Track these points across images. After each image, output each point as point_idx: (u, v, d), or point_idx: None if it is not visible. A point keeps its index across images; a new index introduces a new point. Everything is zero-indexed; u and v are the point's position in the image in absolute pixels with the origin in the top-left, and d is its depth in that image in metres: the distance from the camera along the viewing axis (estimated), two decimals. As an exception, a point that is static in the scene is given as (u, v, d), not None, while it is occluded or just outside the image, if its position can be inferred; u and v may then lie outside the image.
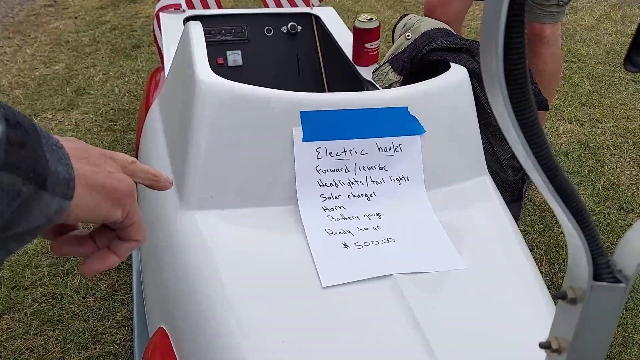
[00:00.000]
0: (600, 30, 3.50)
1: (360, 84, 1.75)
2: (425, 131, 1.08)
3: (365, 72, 1.72)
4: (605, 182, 2.14)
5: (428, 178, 1.08)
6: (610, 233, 1.90)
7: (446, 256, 0.95)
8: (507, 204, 1.15)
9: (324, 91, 2.14)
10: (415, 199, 1.06)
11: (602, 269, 0.44)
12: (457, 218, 1.06)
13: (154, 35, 2.01)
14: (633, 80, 2.92)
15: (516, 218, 1.35)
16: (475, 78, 1.26)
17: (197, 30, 1.24)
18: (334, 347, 0.81)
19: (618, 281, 0.44)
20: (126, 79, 2.78)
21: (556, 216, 0.43)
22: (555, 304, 0.53)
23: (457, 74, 1.15)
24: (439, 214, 1.04)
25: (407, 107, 1.07)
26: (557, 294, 0.46)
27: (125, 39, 3.26)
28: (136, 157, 1.56)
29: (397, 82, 1.30)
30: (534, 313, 0.89)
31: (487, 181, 1.16)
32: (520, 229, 1.11)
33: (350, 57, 1.82)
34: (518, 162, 1.34)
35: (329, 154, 1.04)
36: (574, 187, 0.42)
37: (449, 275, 0.92)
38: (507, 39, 0.35)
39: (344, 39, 1.93)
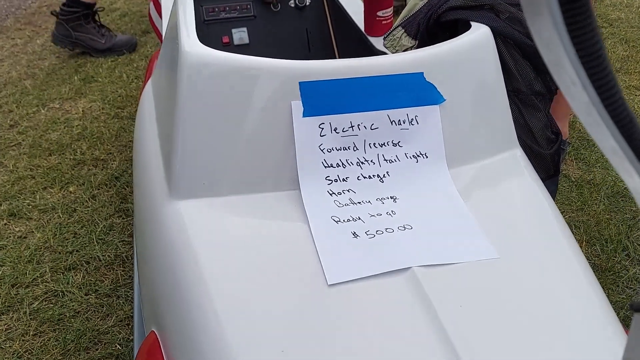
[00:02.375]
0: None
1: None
2: (444, 100, 0.94)
3: (381, 45, 1.57)
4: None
5: (450, 154, 0.94)
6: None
7: (474, 244, 0.81)
8: (542, 180, 1.00)
9: None
10: (435, 179, 0.92)
11: None
12: (485, 199, 0.92)
13: (150, 18, 1.90)
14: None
15: (552, 195, 1.19)
16: (501, 38, 1.10)
17: (187, 1, 1.11)
18: (340, 357, 0.68)
19: None
20: (135, 65, 2.69)
21: (630, 191, 0.29)
22: (625, 315, 0.39)
23: (479, 33, 1.00)
24: (464, 195, 0.90)
25: (422, 73, 0.92)
26: (634, 304, 0.33)
27: (134, 25, 3.17)
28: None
29: (411, 47, 1.15)
30: (583, 311, 0.74)
31: (519, 155, 1.01)
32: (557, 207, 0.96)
33: (363, 28, 1.67)
34: (553, 132, 1.18)
35: (334, 130, 0.90)
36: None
37: (478, 267, 0.78)
38: None
39: (356, 10, 1.78)
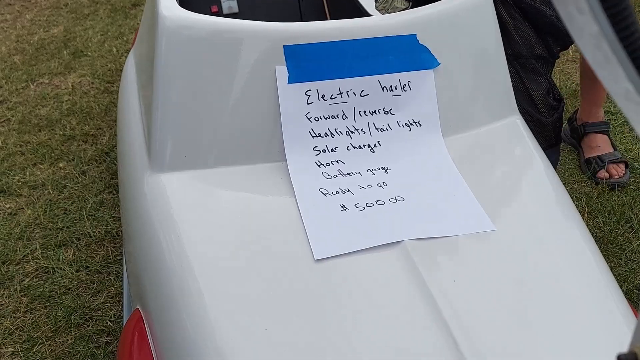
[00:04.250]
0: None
1: None
2: (439, 64, 0.88)
3: (371, 9, 1.51)
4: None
5: (445, 121, 0.89)
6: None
7: (470, 216, 0.77)
8: (543, 149, 0.95)
9: None
10: (429, 148, 0.87)
11: None
12: (482, 169, 0.87)
13: None
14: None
15: (554, 165, 1.15)
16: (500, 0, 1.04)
17: None
18: (327, 336, 0.65)
19: None
20: (125, 39, 2.62)
21: None
22: (627, 289, 0.35)
23: (479, -9, 0.94)
24: (459, 165, 0.86)
25: (415, 35, 0.87)
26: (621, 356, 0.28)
27: (125, -3, 3.07)
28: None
29: (405, 9, 1.09)
30: (585, 285, 0.70)
31: (518, 123, 0.95)
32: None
33: None
34: (555, 99, 1.12)
35: (322, 97, 0.85)
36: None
37: (474, 240, 0.74)
38: None
39: None
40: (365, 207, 0.79)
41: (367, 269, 0.71)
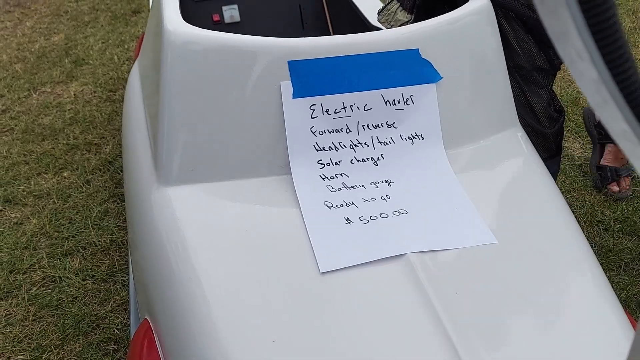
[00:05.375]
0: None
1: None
2: (441, 78, 0.90)
3: (371, 18, 1.53)
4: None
5: (447, 135, 0.90)
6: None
7: (471, 229, 0.78)
8: (544, 160, 0.97)
9: None
10: (432, 161, 0.88)
11: None
12: (484, 181, 0.88)
13: None
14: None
15: (554, 176, 1.16)
16: (501, 11, 1.06)
17: None
18: (332, 348, 0.66)
19: None
20: (126, 46, 2.63)
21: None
22: (626, 296, 0.36)
23: (479, 5, 0.95)
24: (461, 178, 0.87)
25: (418, 50, 0.88)
26: None
27: (124, 4, 3.10)
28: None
29: (407, 22, 1.11)
30: (582, 296, 0.72)
31: (519, 134, 0.97)
32: (559, 188, 0.93)
33: (357, 1, 1.62)
34: (556, 110, 1.14)
35: (326, 111, 0.87)
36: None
37: (476, 253, 0.76)
38: None
39: None
40: (370, 220, 0.80)
41: (372, 282, 0.72)
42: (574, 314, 0.70)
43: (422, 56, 0.89)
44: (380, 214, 0.80)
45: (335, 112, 0.87)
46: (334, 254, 0.75)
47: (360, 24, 1.61)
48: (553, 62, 1.08)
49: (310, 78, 0.85)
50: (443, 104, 0.90)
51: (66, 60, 2.48)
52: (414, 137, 0.89)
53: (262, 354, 0.67)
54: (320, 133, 0.87)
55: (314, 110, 0.86)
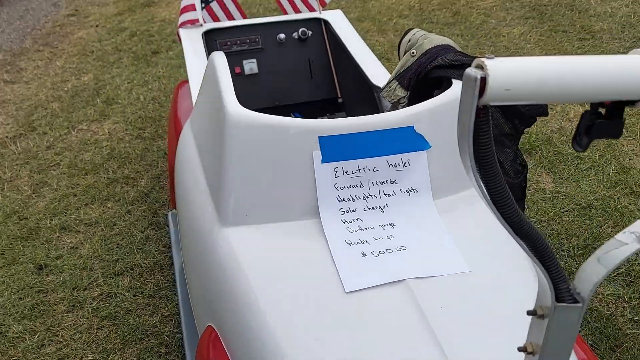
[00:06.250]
0: (615, 1, 3.46)
1: (370, 89, 1.88)
2: (430, 146, 1.22)
3: (371, 67, 1.86)
4: (616, 166, 2.18)
5: (435, 188, 1.22)
6: (619, 218, 1.98)
7: (452, 261, 1.10)
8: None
9: (336, 93, 2.28)
10: (424, 209, 1.20)
11: (564, 292, 0.58)
12: (463, 223, 1.20)
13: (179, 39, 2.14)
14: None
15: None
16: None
17: (221, 62, 1.38)
18: (358, 343, 0.97)
19: (576, 302, 0.58)
20: (149, 87, 2.94)
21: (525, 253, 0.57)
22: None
23: (459, 90, 1.28)
24: (446, 221, 1.18)
25: (413, 127, 1.20)
26: (529, 311, 0.61)
27: (144, 45, 3.41)
28: (171, 178, 1.72)
29: (404, 97, 1.43)
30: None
31: (489, 186, 1.29)
32: (530, 218, 1.24)
33: (358, 58, 1.95)
34: (520, 165, 1.46)
35: (345, 172, 1.18)
36: (539, 232, 0.57)
37: (454, 278, 1.07)
38: (476, 136, 0.50)
39: (353, 42, 2.05)
40: (379, 254, 1.11)
41: (382, 298, 1.03)
42: (520, 319, 1.01)
43: (416, 131, 1.21)
44: (387, 249, 1.12)
45: (352, 173, 1.19)
46: (354, 278, 1.06)
47: (360, 77, 1.94)
48: (517, 129, 1.41)
49: (334, 149, 1.17)
50: (432, 165, 1.22)
51: (98, 100, 2.79)
52: (410, 191, 1.21)
53: (306, 347, 0.97)
54: (341, 188, 1.18)
55: (336, 171, 1.18)
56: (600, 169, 2.20)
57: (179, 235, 1.62)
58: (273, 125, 1.17)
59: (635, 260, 1.82)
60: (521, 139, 1.58)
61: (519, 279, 1.09)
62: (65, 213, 2.06)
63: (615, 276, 1.78)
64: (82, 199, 2.13)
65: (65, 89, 2.92)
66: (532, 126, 2.39)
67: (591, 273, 0.58)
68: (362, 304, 1.03)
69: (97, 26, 3.64)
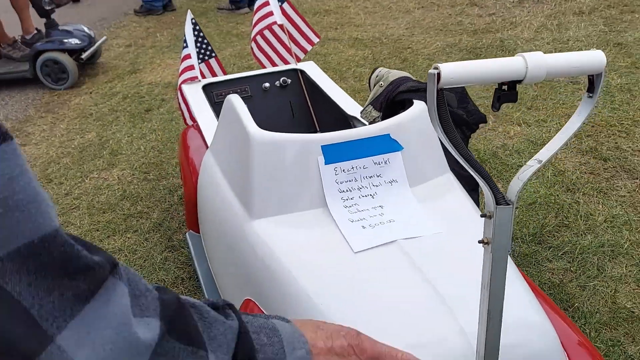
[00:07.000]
0: (539, 40, 4.10)
1: (345, 119, 2.31)
2: (402, 148, 1.62)
3: (343, 106, 2.29)
4: (553, 170, 2.68)
5: (410, 178, 1.61)
6: (560, 210, 2.43)
7: (428, 226, 1.48)
8: (467, 191, 1.69)
9: (315, 128, 2.72)
10: (403, 194, 1.59)
11: (499, 199, 0.96)
12: (433, 203, 1.59)
13: (179, 104, 2.55)
14: (571, 82, 3.53)
15: (475, 201, 1.88)
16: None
17: (238, 100, 1.78)
18: (370, 287, 1.32)
19: (508, 204, 0.96)
20: (147, 138, 3.30)
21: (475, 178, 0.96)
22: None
23: (419, 107, 1.71)
24: (420, 201, 1.57)
25: (389, 134, 1.61)
26: (482, 214, 0.99)
27: (137, 105, 3.79)
28: (194, 198, 2.06)
29: (378, 116, 1.85)
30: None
31: (450, 177, 1.70)
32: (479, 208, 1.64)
33: (332, 95, 2.39)
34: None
35: (343, 171, 1.57)
36: (477, 161, 0.95)
37: (432, 237, 1.45)
38: (438, 106, 0.89)
39: (326, 84, 2.52)
40: (375, 226, 1.48)
41: (383, 255, 1.39)
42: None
43: (392, 137, 1.61)
44: (380, 222, 1.49)
45: (348, 171, 1.57)
46: (359, 242, 1.42)
47: (335, 110, 2.37)
48: (465, 134, 1.84)
49: (333, 153, 1.56)
50: (405, 162, 1.62)
51: (104, 152, 3.12)
52: (392, 182, 1.60)
53: (332, 295, 1.31)
54: (341, 183, 1.56)
55: (336, 170, 1.56)
56: (540, 173, 2.67)
57: (203, 241, 1.95)
58: (287, 140, 1.56)
59: (577, 242, 2.24)
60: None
61: (476, 230, 1.48)
62: (92, 244, 2.35)
63: (562, 254, 2.20)
64: (104, 232, 2.43)
65: (73, 146, 3.24)
66: (480, 144, 2.86)
67: (514, 185, 0.98)
68: (368, 260, 1.39)
69: (91, 93, 4.01)
